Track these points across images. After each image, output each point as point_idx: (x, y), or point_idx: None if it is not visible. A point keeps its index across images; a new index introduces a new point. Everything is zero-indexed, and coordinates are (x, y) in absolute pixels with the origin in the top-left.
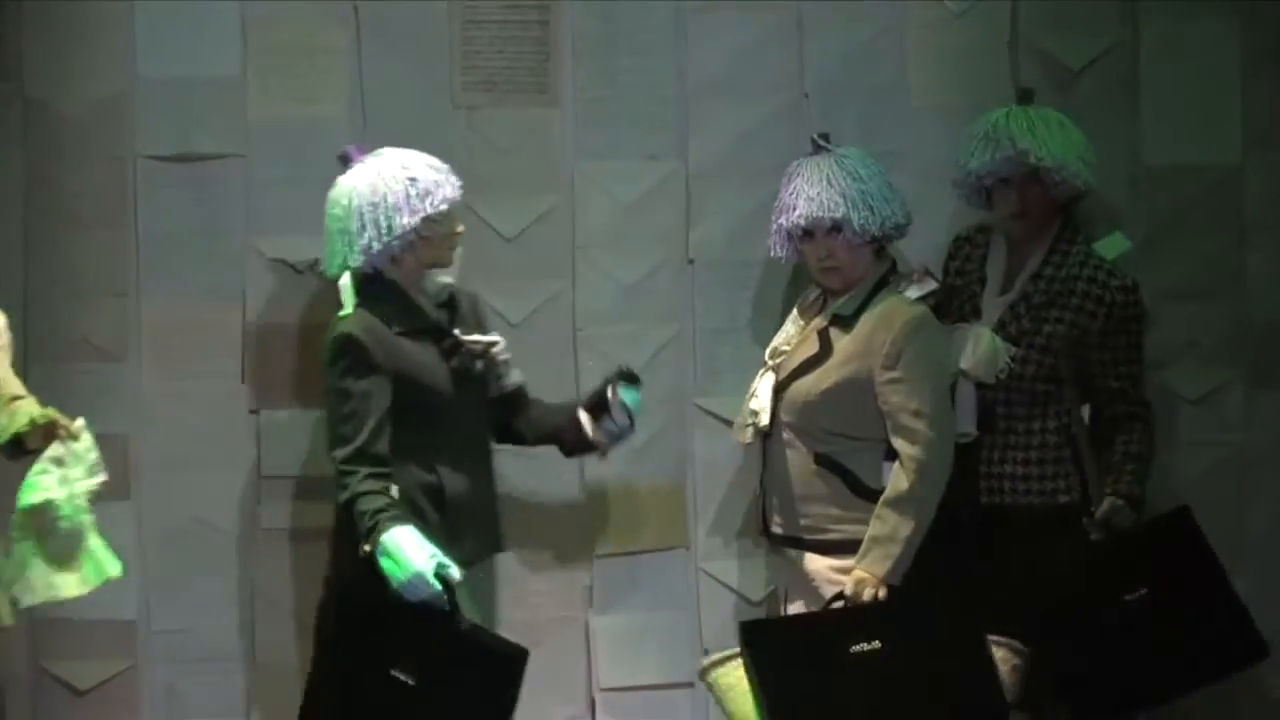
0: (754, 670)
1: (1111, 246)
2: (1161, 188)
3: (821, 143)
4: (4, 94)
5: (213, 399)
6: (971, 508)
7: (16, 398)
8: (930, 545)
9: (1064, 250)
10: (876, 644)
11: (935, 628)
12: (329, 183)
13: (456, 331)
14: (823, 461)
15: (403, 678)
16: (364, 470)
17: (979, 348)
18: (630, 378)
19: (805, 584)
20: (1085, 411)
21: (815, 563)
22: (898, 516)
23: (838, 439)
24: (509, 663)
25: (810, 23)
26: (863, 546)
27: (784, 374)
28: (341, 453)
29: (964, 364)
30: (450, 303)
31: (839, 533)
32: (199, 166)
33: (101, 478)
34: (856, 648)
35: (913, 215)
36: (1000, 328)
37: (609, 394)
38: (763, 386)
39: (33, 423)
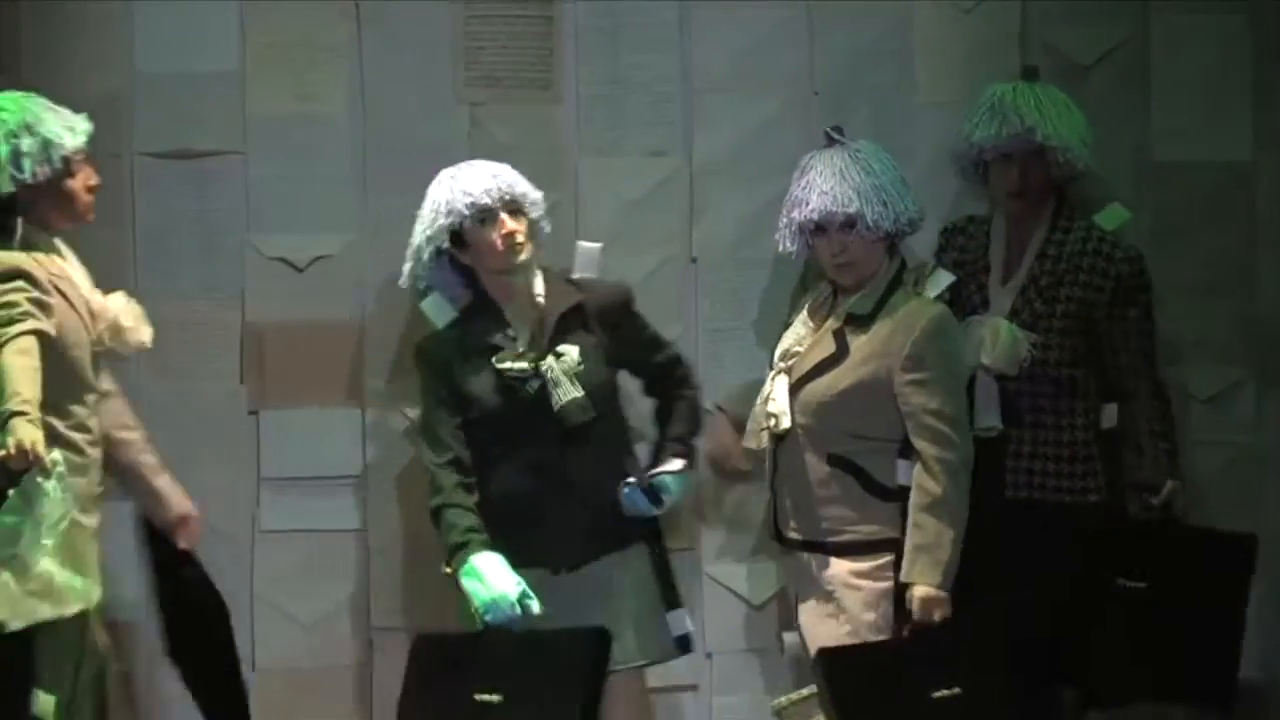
0: (831, 702)
1: (1111, 218)
2: (1171, 184)
3: (835, 136)
4: (1, 89)
5: (211, 399)
6: (996, 501)
7: (16, 414)
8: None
9: (1065, 228)
10: (957, 690)
11: (1011, 667)
12: (329, 180)
13: (493, 360)
14: (836, 462)
15: (487, 698)
16: (455, 478)
17: (998, 340)
18: (649, 492)
19: (820, 589)
20: (1113, 411)
21: (834, 567)
22: (936, 522)
23: (852, 440)
24: (595, 646)
25: (818, 19)
26: (907, 558)
27: (797, 376)
28: (432, 458)
29: (984, 359)
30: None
31: (854, 534)
32: (197, 163)
33: (64, 524)
34: (938, 694)
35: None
36: (1013, 315)
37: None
38: (778, 389)
39: (7, 453)
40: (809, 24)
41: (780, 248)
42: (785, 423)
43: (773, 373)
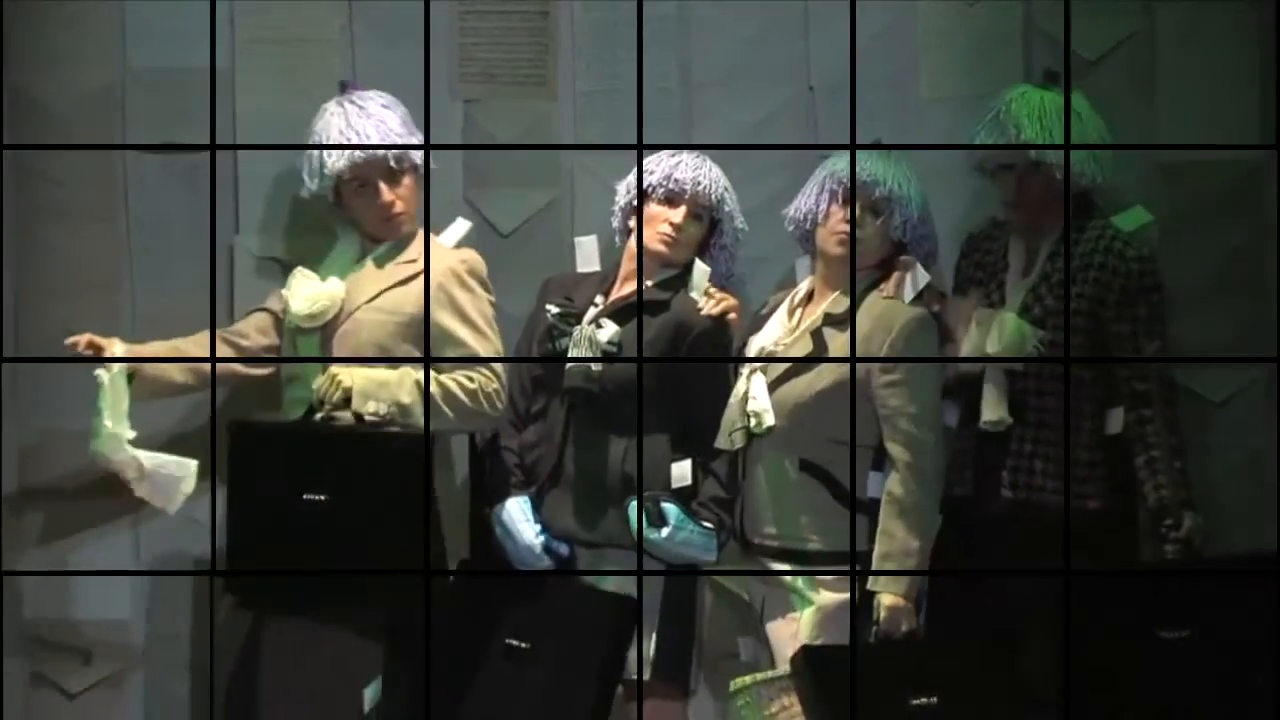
0: (816, 699)
1: (1131, 219)
2: (1178, 182)
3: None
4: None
5: (204, 400)
6: (994, 501)
7: None
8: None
9: (1080, 226)
10: (934, 699)
11: (993, 680)
12: None
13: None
14: (808, 469)
15: (517, 643)
16: (510, 413)
17: (1005, 331)
18: (648, 513)
19: (785, 598)
20: (1119, 415)
21: (799, 577)
22: (905, 530)
23: (826, 445)
24: (614, 613)
25: (816, 13)
26: (874, 566)
27: (773, 375)
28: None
29: (990, 348)
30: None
31: (819, 543)
32: (188, 159)
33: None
34: (916, 701)
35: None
36: (1024, 310)
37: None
38: (756, 387)
39: None
40: (807, 18)
41: (794, 207)
42: (769, 421)
43: (747, 371)
